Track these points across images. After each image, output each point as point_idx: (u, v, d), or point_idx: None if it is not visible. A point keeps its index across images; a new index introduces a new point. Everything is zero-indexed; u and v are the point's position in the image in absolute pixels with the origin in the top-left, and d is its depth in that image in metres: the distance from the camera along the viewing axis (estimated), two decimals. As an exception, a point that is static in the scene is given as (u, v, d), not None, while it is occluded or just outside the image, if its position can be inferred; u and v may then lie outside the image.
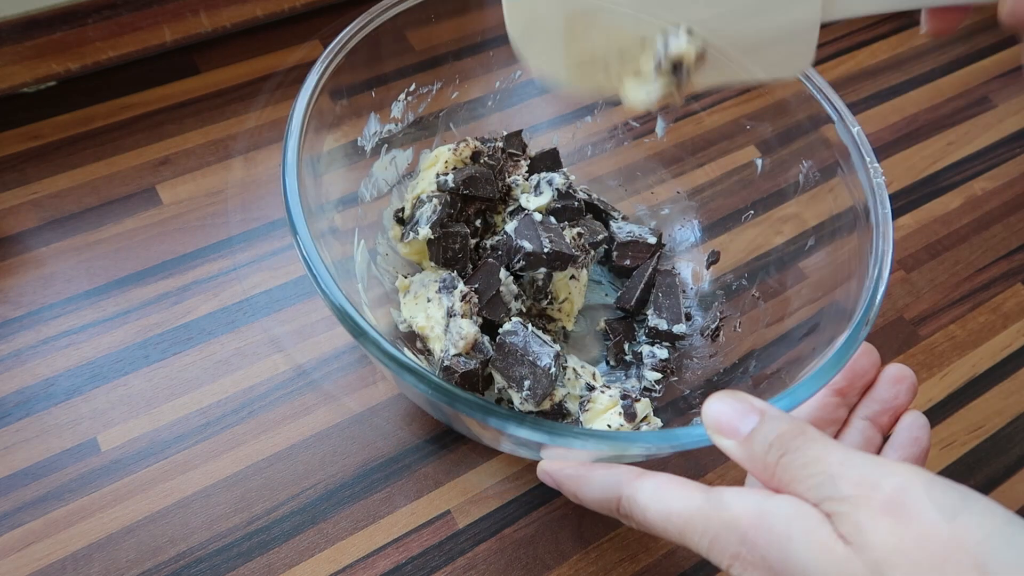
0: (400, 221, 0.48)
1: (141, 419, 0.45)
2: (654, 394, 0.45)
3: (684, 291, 0.50)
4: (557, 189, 0.47)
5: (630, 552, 0.43)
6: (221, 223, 0.53)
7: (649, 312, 0.47)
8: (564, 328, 0.47)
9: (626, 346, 0.47)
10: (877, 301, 0.34)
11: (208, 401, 0.46)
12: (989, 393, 0.52)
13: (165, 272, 0.50)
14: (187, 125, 0.57)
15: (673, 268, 0.51)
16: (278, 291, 0.50)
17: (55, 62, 0.57)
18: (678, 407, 0.45)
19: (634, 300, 0.47)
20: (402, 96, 0.47)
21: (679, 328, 0.46)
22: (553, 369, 0.39)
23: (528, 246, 0.42)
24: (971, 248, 0.59)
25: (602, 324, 0.49)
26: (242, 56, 0.62)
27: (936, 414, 0.50)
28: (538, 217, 0.44)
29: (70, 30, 0.55)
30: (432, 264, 0.47)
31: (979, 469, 0.48)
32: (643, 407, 0.40)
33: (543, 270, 0.43)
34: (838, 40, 0.71)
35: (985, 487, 0.48)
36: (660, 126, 0.52)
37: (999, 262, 0.58)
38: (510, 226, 0.44)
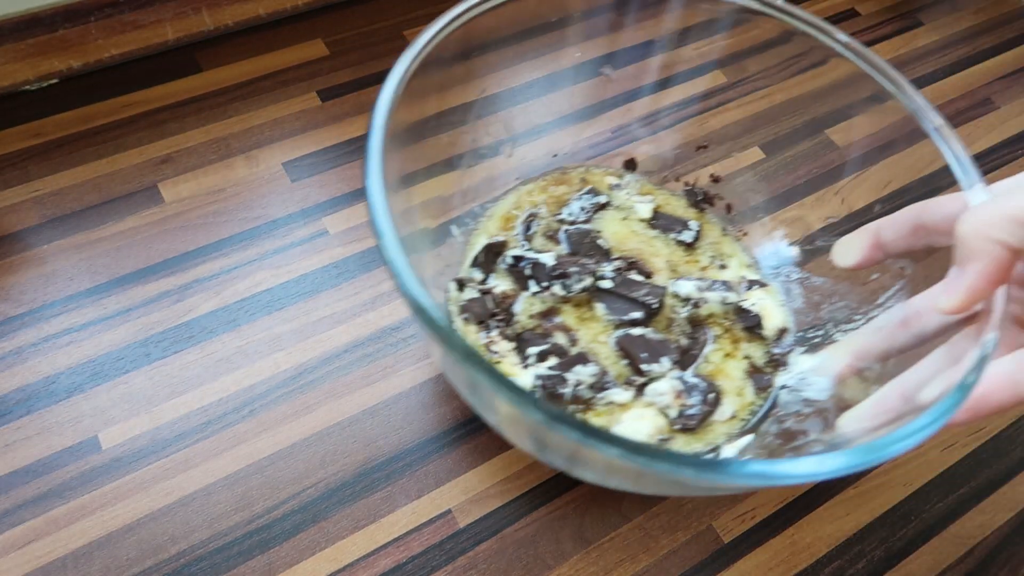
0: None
1: (142, 417, 0.45)
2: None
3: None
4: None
5: (630, 552, 0.43)
6: (223, 221, 0.53)
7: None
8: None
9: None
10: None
11: (209, 399, 0.46)
12: (990, 395, 0.52)
13: (167, 270, 0.50)
14: (189, 123, 0.57)
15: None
16: (279, 290, 0.50)
17: (57, 60, 0.57)
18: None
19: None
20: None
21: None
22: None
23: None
24: (972, 250, 0.58)
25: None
26: (244, 54, 0.62)
27: (937, 415, 0.50)
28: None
29: (72, 28, 0.55)
30: None
31: (980, 471, 0.48)
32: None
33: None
34: (840, 41, 0.71)
35: (985, 489, 0.48)
36: None
37: (1000, 264, 0.58)
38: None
